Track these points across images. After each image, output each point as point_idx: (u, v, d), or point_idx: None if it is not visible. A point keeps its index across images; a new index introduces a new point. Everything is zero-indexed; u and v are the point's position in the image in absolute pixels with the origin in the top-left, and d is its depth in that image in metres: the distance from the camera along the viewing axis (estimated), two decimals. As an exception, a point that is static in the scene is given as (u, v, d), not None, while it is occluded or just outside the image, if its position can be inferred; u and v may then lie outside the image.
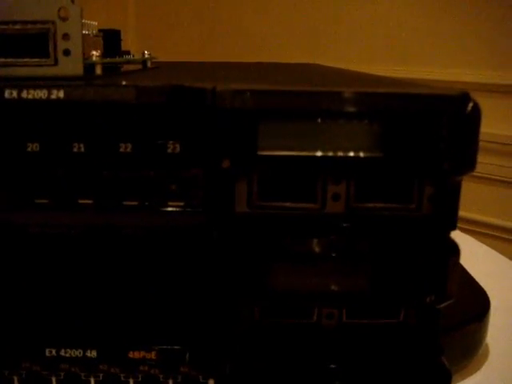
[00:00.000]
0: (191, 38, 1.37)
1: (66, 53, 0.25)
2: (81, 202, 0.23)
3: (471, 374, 0.31)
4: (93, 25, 0.30)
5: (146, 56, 0.35)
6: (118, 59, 0.31)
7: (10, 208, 0.24)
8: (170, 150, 0.22)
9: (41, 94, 0.22)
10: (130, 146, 0.22)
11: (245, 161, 0.21)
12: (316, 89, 0.22)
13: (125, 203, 0.23)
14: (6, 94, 0.23)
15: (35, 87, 0.22)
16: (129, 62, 0.34)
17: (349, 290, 0.24)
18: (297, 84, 0.25)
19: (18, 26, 0.25)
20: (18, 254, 0.25)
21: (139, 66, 0.35)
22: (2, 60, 0.25)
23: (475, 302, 0.33)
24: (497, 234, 1.10)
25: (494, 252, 0.51)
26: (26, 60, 0.25)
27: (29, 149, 0.23)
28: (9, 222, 0.24)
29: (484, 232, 1.09)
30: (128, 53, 0.34)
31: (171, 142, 0.22)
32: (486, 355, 0.33)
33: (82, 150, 0.23)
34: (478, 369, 0.31)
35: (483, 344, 0.32)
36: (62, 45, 0.25)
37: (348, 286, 0.24)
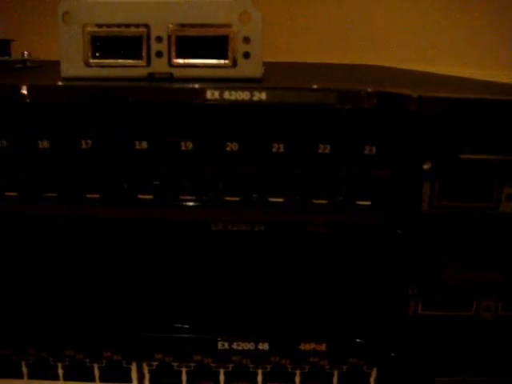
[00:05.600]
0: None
1: (246, 55, 0.25)
2: (271, 200, 0.24)
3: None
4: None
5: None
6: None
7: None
8: (366, 152, 0.24)
9: (243, 95, 0.23)
10: (328, 147, 0.23)
11: (447, 163, 0.23)
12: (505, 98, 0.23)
13: (314, 201, 0.24)
14: (208, 95, 0.23)
15: (237, 89, 0.23)
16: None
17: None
18: (466, 91, 0.27)
19: (195, 29, 0.25)
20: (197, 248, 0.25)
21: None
22: (181, 61, 0.25)
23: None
24: None
25: None
26: (204, 61, 0.26)
27: (228, 148, 0.24)
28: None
29: None
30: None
31: (369, 143, 0.23)
32: None
33: (282, 150, 0.24)
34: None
35: None
36: (241, 48, 0.25)
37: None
